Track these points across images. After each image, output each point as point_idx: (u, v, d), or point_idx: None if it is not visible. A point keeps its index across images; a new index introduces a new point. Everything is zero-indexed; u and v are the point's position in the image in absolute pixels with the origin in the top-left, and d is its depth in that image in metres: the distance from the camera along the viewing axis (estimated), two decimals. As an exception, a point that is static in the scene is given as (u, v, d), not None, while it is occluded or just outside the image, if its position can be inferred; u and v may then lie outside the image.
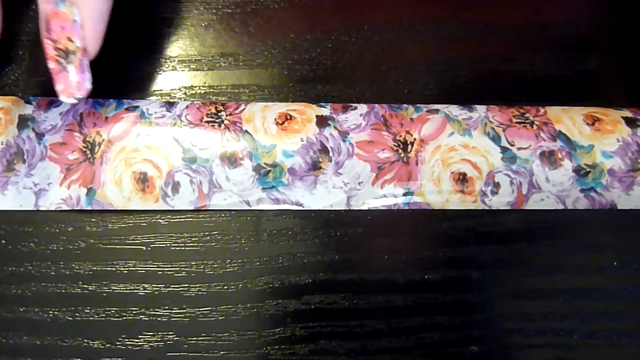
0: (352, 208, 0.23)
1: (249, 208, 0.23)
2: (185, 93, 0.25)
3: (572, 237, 0.24)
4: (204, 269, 0.23)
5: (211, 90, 0.25)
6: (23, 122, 0.24)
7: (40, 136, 0.24)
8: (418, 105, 0.24)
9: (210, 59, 0.26)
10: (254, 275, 0.23)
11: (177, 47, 0.26)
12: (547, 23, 0.26)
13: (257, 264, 0.23)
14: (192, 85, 0.25)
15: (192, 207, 0.23)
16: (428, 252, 0.23)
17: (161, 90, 0.25)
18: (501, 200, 0.23)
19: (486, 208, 0.23)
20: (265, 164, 0.23)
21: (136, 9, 0.26)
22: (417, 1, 0.26)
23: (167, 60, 0.26)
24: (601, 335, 0.23)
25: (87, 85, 0.22)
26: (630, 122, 0.24)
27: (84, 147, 0.24)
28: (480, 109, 0.24)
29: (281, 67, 0.26)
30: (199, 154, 0.23)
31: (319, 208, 0.23)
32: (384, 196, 0.23)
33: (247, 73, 0.25)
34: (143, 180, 0.23)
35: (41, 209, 0.23)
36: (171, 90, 0.25)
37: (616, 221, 0.24)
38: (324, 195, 0.23)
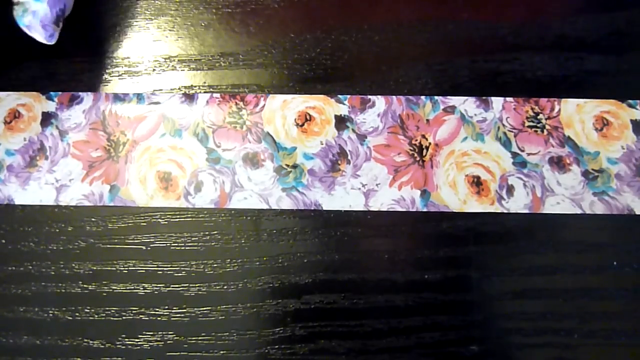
0: (370, 209, 0.24)
1: (268, 207, 0.24)
2: (185, 93, 0.25)
3: (572, 237, 0.24)
4: (204, 269, 0.23)
5: (211, 89, 0.25)
6: (47, 119, 0.25)
7: (64, 134, 0.24)
8: (436, 98, 0.25)
9: (210, 58, 0.26)
10: (254, 275, 0.23)
11: (177, 46, 0.26)
12: (547, 23, 0.26)
13: (257, 264, 0.23)
14: (192, 85, 0.25)
15: (212, 206, 0.24)
16: (428, 252, 0.23)
17: (161, 89, 0.25)
18: (518, 203, 0.24)
19: (504, 211, 0.23)
20: (286, 165, 0.24)
21: (136, 8, 0.26)
22: (417, 1, 0.26)
23: (167, 60, 0.26)
24: (601, 335, 0.23)
25: None
26: (637, 126, 0.25)
27: (107, 145, 0.24)
28: (497, 107, 0.25)
29: (281, 66, 0.26)
30: (223, 155, 0.24)
31: (337, 209, 0.24)
32: (402, 198, 0.24)
33: (247, 73, 0.25)
34: (167, 179, 0.24)
35: (61, 204, 0.24)
36: (171, 89, 0.25)
37: (616, 222, 0.24)
38: (343, 196, 0.24)
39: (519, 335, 0.23)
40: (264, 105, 0.25)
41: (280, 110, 0.25)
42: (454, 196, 0.24)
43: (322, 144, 0.24)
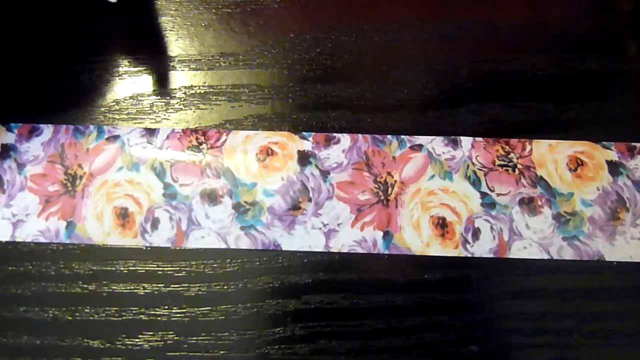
0: (330, 250, 0.23)
1: (226, 247, 0.23)
2: (185, 93, 0.25)
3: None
4: (204, 269, 0.23)
5: (211, 90, 0.25)
6: (6, 151, 0.24)
7: (21, 166, 0.24)
8: (402, 137, 0.24)
9: (210, 58, 0.26)
10: (254, 275, 0.23)
11: (177, 47, 0.26)
12: (547, 23, 0.26)
13: (257, 264, 0.23)
14: (192, 85, 0.25)
15: (169, 245, 0.23)
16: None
17: (161, 90, 0.25)
18: (484, 247, 0.23)
19: (469, 255, 0.23)
20: (245, 202, 0.23)
21: (136, 8, 0.26)
22: (417, 1, 0.26)
23: (167, 60, 0.26)
24: (601, 335, 0.23)
25: None
26: (613, 167, 0.24)
27: (65, 179, 0.24)
28: (466, 145, 0.24)
29: (281, 67, 0.26)
30: (180, 190, 0.24)
31: (297, 249, 0.23)
32: (364, 239, 0.23)
33: (247, 73, 0.25)
34: (124, 216, 0.23)
35: (17, 240, 0.23)
36: (171, 90, 0.25)
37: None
38: (303, 236, 0.23)
39: (519, 335, 0.23)
40: (226, 140, 0.24)
41: (242, 145, 0.24)
42: (417, 238, 0.23)
43: (283, 180, 0.23)
